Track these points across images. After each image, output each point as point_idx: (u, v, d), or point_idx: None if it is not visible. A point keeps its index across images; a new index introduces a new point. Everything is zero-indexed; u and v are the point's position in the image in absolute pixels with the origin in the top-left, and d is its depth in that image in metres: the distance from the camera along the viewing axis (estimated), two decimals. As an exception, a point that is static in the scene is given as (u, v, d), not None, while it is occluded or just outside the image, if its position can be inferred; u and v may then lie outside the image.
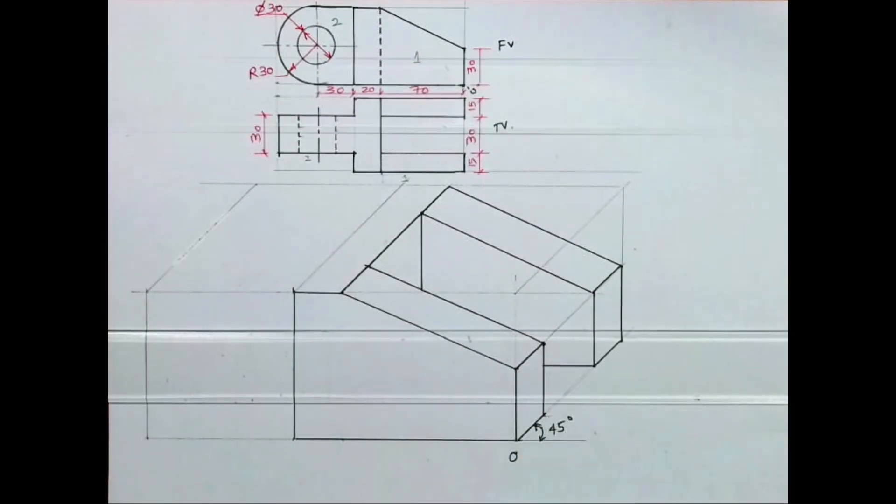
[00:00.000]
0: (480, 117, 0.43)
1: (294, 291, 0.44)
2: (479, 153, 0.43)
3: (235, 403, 0.44)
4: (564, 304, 0.44)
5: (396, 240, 0.44)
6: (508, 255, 0.44)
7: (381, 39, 0.43)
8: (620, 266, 0.44)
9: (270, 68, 0.43)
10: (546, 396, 0.44)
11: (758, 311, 0.44)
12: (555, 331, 0.44)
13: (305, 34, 0.43)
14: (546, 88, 0.43)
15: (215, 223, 0.44)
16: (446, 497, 0.44)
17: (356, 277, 0.44)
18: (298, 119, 0.43)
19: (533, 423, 0.44)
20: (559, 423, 0.44)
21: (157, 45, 0.43)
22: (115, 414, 0.44)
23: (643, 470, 0.44)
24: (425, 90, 0.43)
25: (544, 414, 0.44)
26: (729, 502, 0.44)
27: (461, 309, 0.44)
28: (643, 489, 0.44)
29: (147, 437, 0.44)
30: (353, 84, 0.43)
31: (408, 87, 0.43)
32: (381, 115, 0.43)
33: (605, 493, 0.44)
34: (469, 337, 0.44)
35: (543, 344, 0.44)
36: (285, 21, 0.43)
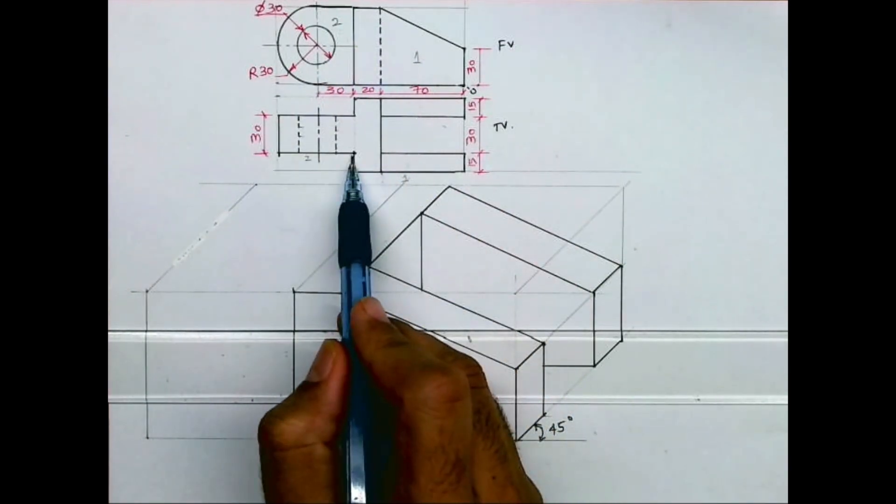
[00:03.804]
0: (480, 117, 0.43)
1: (294, 291, 0.44)
2: (479, 153, 0.43)
3: (235, 403, 0.44)
4: (564, 304, 0.44)
5: (396, 240, 0.44)
6: (508, 255, 0.44)
7: (381, 39, 0.43)
8: (620, 266, 0.44)
9: (270, 68, 0.43)
10: (546, 396, 0.44)
11: (758, 311, 0.44)
12: (555, 331, 0.44)
13: (305, 34, 0.43)
14: (546, 88, 0.43)
15: (215, 223, 0.43)
16: (446, 497, 0.44)
17: (356, 277, 0.43)
18: (298, 119, 0.43)
19: (533, 423, 0.44)
20: (559, 423, 0.44)
21: (157, 45, 0.43)
22: (115, 414, 0.44)
23: (643, 470, 0.44)
24: (425, 90, 0.43)
25: (544, 414, 0.44)
26: (729, 502, 0.44)
27: (461, 309, 0.44)
28: (643, 489, 0.44)
29: (147, 437, 0.44)
30: (353, 84, 0.43)
31: (408, 87, 0.43)
32: (381, 115, 0.43)
33: (605, 493, 0.44)
34: (469, 337, 0.44)
35: (543, 344, 0.44)
36: (285, 21, 0.43)
